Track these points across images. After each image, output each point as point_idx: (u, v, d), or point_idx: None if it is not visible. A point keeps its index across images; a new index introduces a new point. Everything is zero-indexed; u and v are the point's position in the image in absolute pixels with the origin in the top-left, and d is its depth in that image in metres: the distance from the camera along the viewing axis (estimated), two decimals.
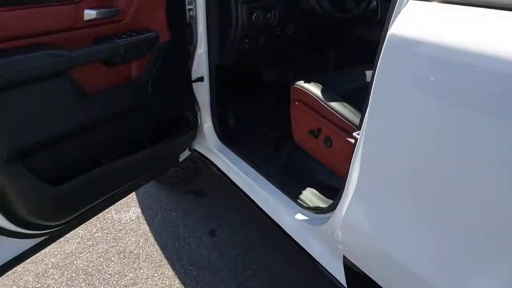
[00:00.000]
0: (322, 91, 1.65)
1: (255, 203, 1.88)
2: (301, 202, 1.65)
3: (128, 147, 1.69)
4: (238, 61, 2.06)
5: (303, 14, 2.01)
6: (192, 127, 1.97)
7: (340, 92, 1.64)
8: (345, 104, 1.58)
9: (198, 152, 2.24)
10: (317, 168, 1.79)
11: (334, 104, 1.59)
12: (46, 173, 1.37)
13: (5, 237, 1.38)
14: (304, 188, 1.72)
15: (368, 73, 1.89)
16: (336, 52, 2.48)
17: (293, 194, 1.71)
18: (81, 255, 2.28)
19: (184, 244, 2.38)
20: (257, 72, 2.49)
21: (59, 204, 1.39)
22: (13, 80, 1.20)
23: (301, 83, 1.75)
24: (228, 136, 2.16)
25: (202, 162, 2.25)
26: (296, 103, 1.75)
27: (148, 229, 2.50)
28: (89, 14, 1.43)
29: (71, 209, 1.46)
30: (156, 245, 2.37)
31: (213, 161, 2.16)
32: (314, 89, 1.68)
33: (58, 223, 1.45)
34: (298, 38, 2.08)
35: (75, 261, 2.24)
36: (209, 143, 2.16)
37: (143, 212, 2.65)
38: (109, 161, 1.57)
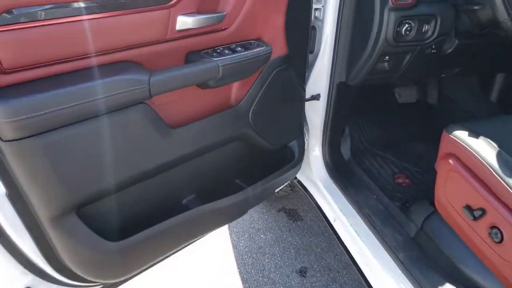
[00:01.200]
0: (499, 158, 1.11)
1: (363, 274, 1.44)
2: None
3: (214, 189, 1.34)
4: (368, 81, 1.56)
5: (477, 27, 1.42)
6: (299, 158, 1.55)
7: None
8: None
9: (300, 182, 1.84)
10: (464, 254, 1.27)
11: None
12: (106, 224, 1.09)
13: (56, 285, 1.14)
14: (442, 282, 1.23)
15: None
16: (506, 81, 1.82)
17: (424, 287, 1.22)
18: None
19: (268, 280, 2.04)
20: (386, 90, 1.95)
21: (117, 262, 1.11)
22: (73, 115, 0.90)
23: (460, 133, 1.22)
24: (340, 171, 1.71)
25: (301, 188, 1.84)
26: (450, 161, 1.23)
27: (231, 250, 2.21)
28: (184, 22, 1.06)
29: (131, 268, 1.18)
30: (237, 275, 2.07)
31: (316, 199, 1.74)
32: (484, 151, 1.14)
33: (112, 281, 1.17)
34: (458, 59, 1.51)
35: None
36: (315, 175, 1.74)
37: (229, 227, 2.36)
38: (185, 209, 1.24)
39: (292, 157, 1.53)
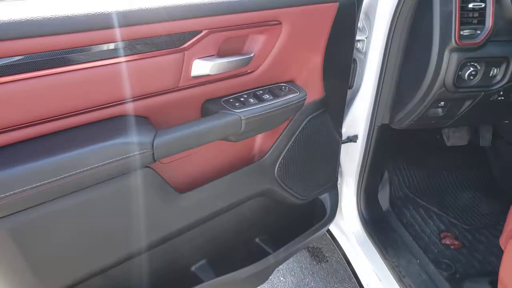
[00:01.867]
0: None
1: None
2: None
3: (229, 253, 1.14)
4: (415, 125, 1.33)
5: None
6: (331, 213, 1.33)
7: None
8: None
9: (330, 232, 1.62)
10: None
11: None
12: None
13: None
14: None
15: None
16: None
17: None
18: None
19: None
20: (433, 131, 1.71)
21: None
22: (52, 192, 0.72)
23: None
24: (377, 225, 1.49)
25: None
26: None
27: None
28: (202, 67, 0.87)
29: None
30: None
31: (348, 256, 1.51)
32: None
33: None
34: None
35: None
36: (347, 227, 1.51)
37: None
38: (195, 279, 1.04)
39: (323, 212, 1.31)
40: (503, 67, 1.14)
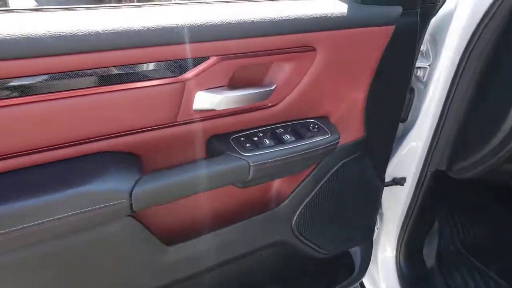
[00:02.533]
0: None
1: None
2: None
3: None
4: (481, 177, 1.06)
5: None
6: (361, 270, 1.11)
7: None
8: None
9: (362, 284, 1.38)
10: None
11: None
12: None
13: None
14: None
15: None
16: None
17: None
18: None
19: None
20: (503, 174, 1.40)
21: None
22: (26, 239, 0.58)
23: None
24: (419, 285, 1.24)
25: None
26: None
27: None
28: (207, 100, 0.67)
29: None
30: None
31: None
32: None
33: None
34: None
35: None
36: (382, 283, 1.28)
37: None
38: None
39: (350, 267, 1.09)
40: None
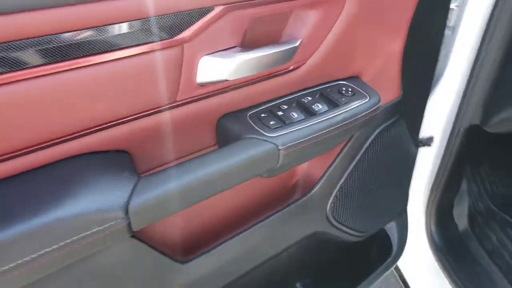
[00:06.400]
0: None
1: None
2: None
3: None
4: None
5: None
6: (400, 247, 1.00)
7: None
8: None
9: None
10: None
11: None
12: None
13: None
14: None
15: None
16: None
17: None
18: None
19: None
20: None
21: None
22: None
23: None
24: (453, 250, 1.15)
25: None
26: None
27: None
28: (214, 68, 0.53)
29: None
30: None
31: None
32: None
33: None
34: None
35: None
36: (413, 253, 1.19)
37: None
38: None
39: (387, 245, 0.98)
40: None
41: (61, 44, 0.41)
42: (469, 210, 1.23)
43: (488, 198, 1.28)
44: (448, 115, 1.00)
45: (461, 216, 1.22)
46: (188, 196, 0.53)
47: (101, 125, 0.49)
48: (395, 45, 0.70)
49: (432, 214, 1.16)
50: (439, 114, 1.01)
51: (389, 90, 0.76)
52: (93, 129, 0.49)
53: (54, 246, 0.44)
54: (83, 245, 0.46)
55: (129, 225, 0.48)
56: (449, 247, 1.16)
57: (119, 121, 0.51)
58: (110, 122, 0.50)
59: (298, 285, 0.96)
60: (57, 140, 0.47)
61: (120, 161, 0.52)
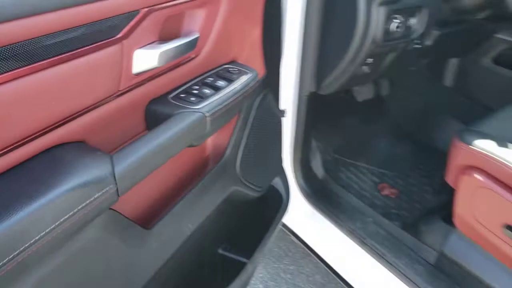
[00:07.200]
0: None
1: None
2: None
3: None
4: (343, 87, 1.31)
5: (457, 14, 1.26)
6: (287, 196, 1.25)
7: None
8: None
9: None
10: (504, 276, 1.12)
11: None
12: None
13: None
14: None
15: None
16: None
17: None
18: None
19: None
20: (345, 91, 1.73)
21: None
22: None
23: (482, 142, 1.04)
24: (321, 195, 1.46)
25: None
26: (477, 176, 1.05)
27: None
28: (146, 58, 0.66)
29: None
30: None
31: (300, 235, 1.47)
32: None
33: None
34: (434, 50, 1.34)
35: None
36: (291, 206, 1.46)
37: None
38: None
39: (278, 198, 1.22)
40: (418, 16, 1.18)
41: (16, 51, 0.48)
42: (322, 161, 1.57)
43: (332, 151, 1.67)
44: (294, 87, 1.30)
45: (317, 167, 1.55)
46: (152, 162, 0.64)
47: (61, 121, 0.57)
48: (256, 33, 0.93)
49: (297, 169, 1.45)
50: (287, 89, 1.30)
51: (258, 69, 0.99)
52: (53, 126, 0.57)
53: (61, 219, 0.51)
54: (85, 214, 0.53)
55: (117, 191, 0.57)
56: (315, 192, 1.46)
57: (76, 115, 0.59)
58: (69, 116, 0.58)
59: (219, 250, 1.11)
60: (21, 141, 0.53)
61: (85, 147, 0.60)
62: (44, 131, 0.55)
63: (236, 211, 1.11)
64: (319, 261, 1.44)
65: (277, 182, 1.23)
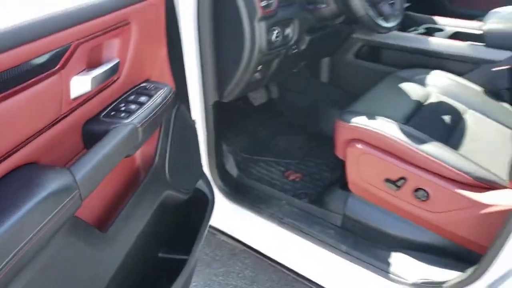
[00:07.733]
0: (403, 131, 1.26)
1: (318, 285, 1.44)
2: (394, 275, 1.27)
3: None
4: (242, 93, 1.52)
5: (320, 22, 1.55)
6: (212, 195, 1.39)
7: (401, 120, 1.31)
8: (441, 145, 1.23)
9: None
10: (393, 221, 1.40)
11: (428, 148, 1.21)
12: None
13: None
14: (387, 255, 1.34)
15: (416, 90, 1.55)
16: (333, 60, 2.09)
17: (376, 265, 1.31)
18: None
19: None
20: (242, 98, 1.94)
21: None
22: None
23: (359, 119, 1.33)
24: (238, 190, 1.63)
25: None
26: (358, 145, 1.32)
27: None
28: (80, 84, 0.76)
29: None
30: None
31: (226, 230, 1.62)
32: (387, 128, 1.27)
33: None
34: (307, 52, 1.62)
35: None
36: (215, 206, 1.60)
37: None
38: None
39: (204, 198, 1.35)
40: (292, 26, 1.44)
41: None
42: (234, 162, 1.75)
43: (239, 150, 1.86)
44: (199, 99, 1.45)
45: (231, 167, 1.73)
46: (103, 170, 0.74)
47: (14, 148, 0.65)
48: (162, 53, 1.07)
49: (214, 172, 1.60)
50: (195, 99, 1.45)
51: (169, 84, 1.12)
52: (7, 154, 0.64)
53: (34, 231, 0.59)
54: (57, 221, 0.62)
55: (80, 195, 0.66)
56: (233, 189, 1.63)
57: (27, 140, 0.67)
58: (21, 143, 0.66)
59: (160, 255, 1.21)
60: None
61: (42, 166, 0.68)
62: (1, 158, 0.63)
63: (170, 215, 1.22)
64: (248, 249, 1.60)
65: (201, 184, 1.37)
